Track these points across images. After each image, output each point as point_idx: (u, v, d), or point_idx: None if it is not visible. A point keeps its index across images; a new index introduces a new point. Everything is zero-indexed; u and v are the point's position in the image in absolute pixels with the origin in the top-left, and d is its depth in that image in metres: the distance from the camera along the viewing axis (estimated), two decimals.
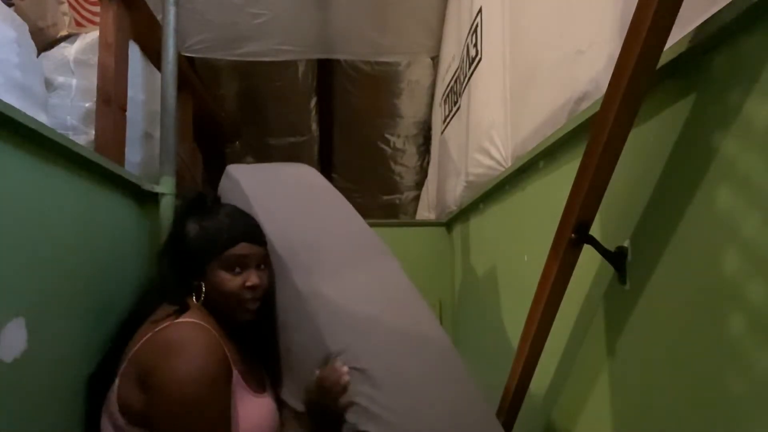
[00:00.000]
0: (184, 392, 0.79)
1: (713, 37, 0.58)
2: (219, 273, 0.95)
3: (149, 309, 0.94)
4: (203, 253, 0.96)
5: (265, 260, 1.02)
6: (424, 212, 2.89)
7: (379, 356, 0.90)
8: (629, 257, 0.75)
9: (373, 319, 0.96)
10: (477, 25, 1.68)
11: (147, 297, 1.00)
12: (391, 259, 1.15)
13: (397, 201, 3.18)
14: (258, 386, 0.98)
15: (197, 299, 0.96)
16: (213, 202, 1.07)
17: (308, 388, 0.90)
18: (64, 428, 0.91)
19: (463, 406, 0.90)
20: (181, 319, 0.88)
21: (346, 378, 0.85)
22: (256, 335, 1.04)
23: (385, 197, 3.16)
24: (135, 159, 1.68)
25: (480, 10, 1.65)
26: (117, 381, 0.86)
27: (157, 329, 0.86)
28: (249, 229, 1.01)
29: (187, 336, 0.84)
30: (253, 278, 0.97)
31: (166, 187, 1.45)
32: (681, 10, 0.58)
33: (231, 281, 0.95)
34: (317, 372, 0.88)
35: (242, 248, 0.97)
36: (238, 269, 0.96)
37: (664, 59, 0.64)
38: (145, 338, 0.86)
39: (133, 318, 0.97)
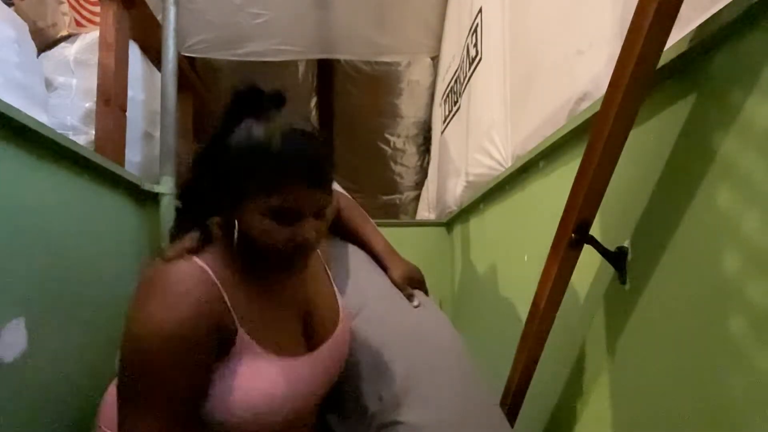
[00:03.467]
0: (135, 345, 0.62)
1: (713, 37, 0.58)
2: (259, 217, 0.65)
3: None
4: (243, 179, 0.65)
5: (327, 204, 0.70)
6: (424, 212, 2.89)
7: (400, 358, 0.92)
8: (629, 257, 0.75)
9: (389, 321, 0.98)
10: (477, 25, 1.68)
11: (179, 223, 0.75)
12: None
13: (397, 201, 3.18)
14: (288, 347, 0.73)
15: (228, 239, 0.69)
16: (271, 101, 0.72)
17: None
18: (64, 428, 0.91)
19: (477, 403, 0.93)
20: (184, 258, 0.66)
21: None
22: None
23: (385, 197, 3.16)
24: (135, 159, 1.68)
25: (480, 10, 1.65)
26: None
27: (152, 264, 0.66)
28: (315, 165, 0.67)
29: (173, 279, 0.63)
30: (305, 232, 0.66)
31: (166, 187, 1.45)
32: (681, 10, 0.59)
33: (274, 232, 0.65)
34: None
35: (298, 194, 0.65)
36: (288, 219, 0.66)
37: (664, 59, 0.64)
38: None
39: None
